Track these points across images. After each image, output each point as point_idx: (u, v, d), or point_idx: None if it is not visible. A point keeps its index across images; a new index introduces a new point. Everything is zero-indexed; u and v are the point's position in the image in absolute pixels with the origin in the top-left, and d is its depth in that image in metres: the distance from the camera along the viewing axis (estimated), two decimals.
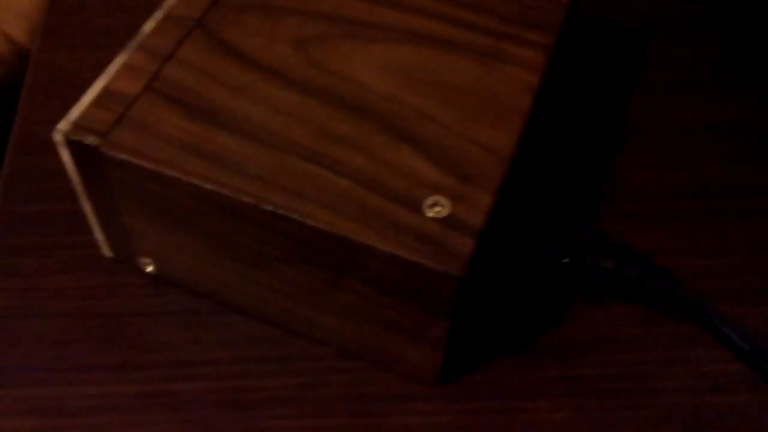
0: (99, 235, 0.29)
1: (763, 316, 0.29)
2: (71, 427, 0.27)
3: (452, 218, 0.23)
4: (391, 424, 0.27)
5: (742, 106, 0.35)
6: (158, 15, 0.28)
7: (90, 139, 0.25)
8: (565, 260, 0.27)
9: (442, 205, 0.24)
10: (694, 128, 0.34)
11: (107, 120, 0.25)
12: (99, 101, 0.26)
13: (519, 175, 0.27)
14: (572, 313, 0.29)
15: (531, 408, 0.27)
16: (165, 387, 0.28)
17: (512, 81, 0.27)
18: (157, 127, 0.25)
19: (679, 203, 0.32)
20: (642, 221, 0.31)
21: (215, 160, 0.24)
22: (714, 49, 0.37)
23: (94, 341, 0.29)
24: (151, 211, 0.26)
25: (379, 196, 0.24)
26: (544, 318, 0.29)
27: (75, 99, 0.29)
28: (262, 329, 0.29)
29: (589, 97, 0.36)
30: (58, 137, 0.25)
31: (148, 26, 0.28)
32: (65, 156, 0.26)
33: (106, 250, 0.30)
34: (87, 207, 0.28)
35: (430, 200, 0.24)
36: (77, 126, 0.25)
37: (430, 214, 0.23)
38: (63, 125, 0.25)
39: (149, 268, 0.29)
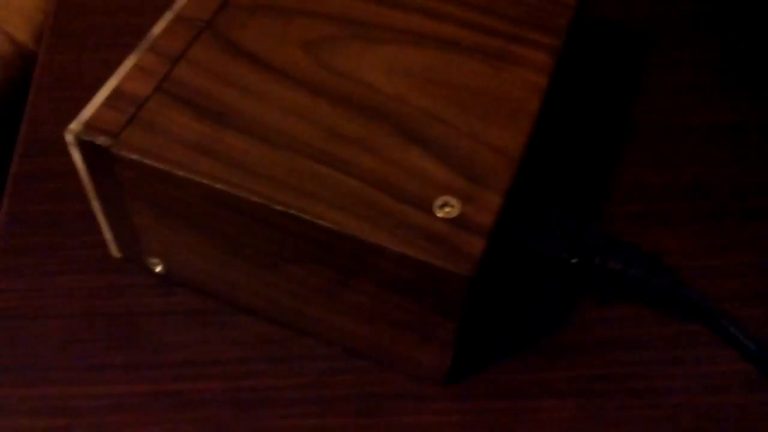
0: (108, 235, 0.29)
1: None
2: (80, 427, 0.27)
3: (462, 218, 0.24)
4: (400, 424, 0.27)
5: (748, 106, 0.35)
6: (168, 16, 0.28)
7: (101, 140, 0.25)
8: (574, 260, 0.27)
9: (452, 206, 0.24)
10: (700, 129, 0.35)
11: (118, 120, 0.25)
12: (110, 102, 0.26)
13: (527, 175, 0.27)
14: (579, 313, 0.29)
15: (538, 407, 0.27)
16: (173, 386, 0.28)
17: (521, 82, 0.27)
18: (167, 128, 0.25)
19: (684, 204, 0.32)
20: (647, 222, 0.32)
21: (225, 161, 0.25)
22: (719, 51, 0.37)
23: (102, 341, 0.29)
24: (160, 211, 0.26)
25: (389, 196, 0.24)
26: (552, 318, 0.29)
27: (82, 100, 0.29)
28: (270, 329, 0.29)
29: (594, 98, 0.36)
30: (69, 137, 0.25)
31: (158, 28, 0.28)
32: (76, 156, 0.26)
33: (114, 251, 0.30)
34: (96, 207, 0.28)
35: (440, 201, 0.24)
36: (88, 126, 0.25)
37: (440, 214, 0.24)
38: (74, 126, 0.25)
39: (158, 269, 0.29)
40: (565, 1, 0.29)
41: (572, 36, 0.30)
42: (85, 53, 0.37)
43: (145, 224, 0.27)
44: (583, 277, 0.28)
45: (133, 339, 0.29)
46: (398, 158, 0.25)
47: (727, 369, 0.28)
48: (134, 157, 0.25)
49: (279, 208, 0.24)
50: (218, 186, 0.24)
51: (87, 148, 0.25)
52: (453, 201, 0.24)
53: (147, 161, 0.25)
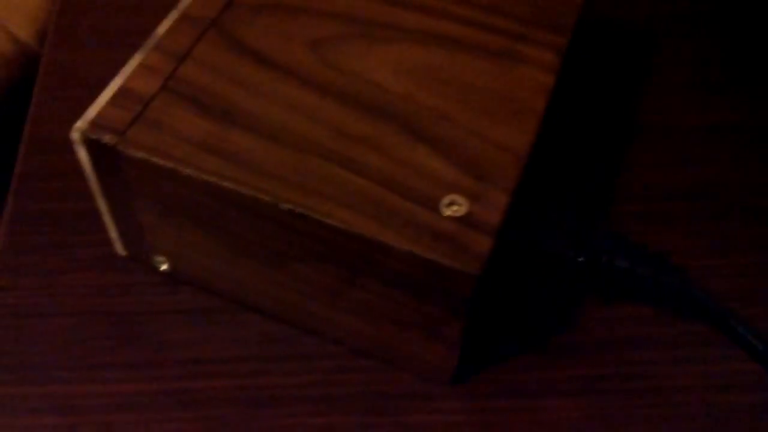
0: (113, 233, 0.29)
1: None
2: (84, 425, 0.27)
3: (469, 217, 0.23)
4: (406, 423, 0.27)
5: (752, 106, 0.35)
6: (173, 15, 0.28)
7: (107, 138, 0.25)
8: (580, 259, 0.27)
9: (459, 204, 0.24)
10: (705, 128, 0.35)
11: (124, 119, 0.25)
12: (116, 100, 0.26)
13: (533, 174, 0.27)
14: (585, 312, 0.29)
15: (544, 407, 0.27)
16: (180, 385, 0.28)
17: (527, 81, 0.27)
18: (174, 126, 0.25)
19: (688, 204, 0.32)
20: (652, 221, 0.32)
21: (232, 159, 0.25)
22: (723, 50, 0.37)
23: (108, 340, 0.29)
24: (167, 209, 0.26)
25: (396, 195, 0.24)
26: (558, 317, 0.29)
27: (86, 98, 0.29)
28: (276, 327, 0.29)
29: (598, 97, 0.36)
30: (75, 136, 0.25)
31: (163, 26, 0.28)
32: (82, 154, 0.26)
33: (119, 249, 0.30)
34: (102, 205, 0.28)
35: (447, 199, 0.24)
36: (95, 124, 0.25)
37: (448, 213, 0.24)
38: (80, 124, 0.25)
39: (163, 267, 0.29)
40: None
41: (576, 35, 0.30)
42: (89, 52, 0.37)
43: (150, 222, 0.27)
44: (590, 275, 0.28)
45: (139, 337, 0.29)
46: (405, 157, 0.25)
47: (733, 368, 0.28)
48: (140, 155, 0.25)
49: (286, 206, 0.24)
50: (225, 184, 0.24)
51: (93, 146, 0.25)
52: (460, 199, 0.24)
53: (153, 159, 0.25)
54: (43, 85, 0.36)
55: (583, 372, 0.28)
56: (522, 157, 0.25)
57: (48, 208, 0.32)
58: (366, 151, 0.25)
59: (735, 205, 0.32)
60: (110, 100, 0.26)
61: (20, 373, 0.28)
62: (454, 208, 0.24)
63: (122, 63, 0.27)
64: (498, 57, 0.28)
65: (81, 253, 0.31)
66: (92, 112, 0.25)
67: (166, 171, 0.25)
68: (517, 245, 0.27)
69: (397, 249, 0.23)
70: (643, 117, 0.35)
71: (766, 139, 0.34)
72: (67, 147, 0.33)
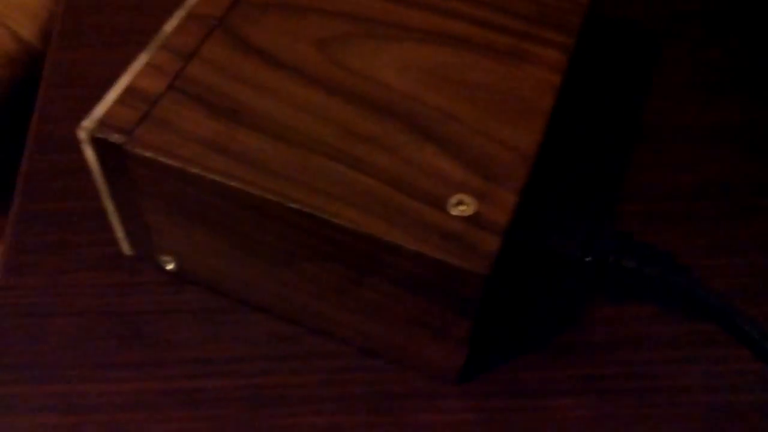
0: (119, 232, 0.29)
1: None
2: (92, 424, 0.27)
3: (477, 217, 0.23)
4: (413, 422, 0.27)
5: (756, 106, 0.35)
6: (180, 14, 0.28)
7: (115, 137, 0.25)
8: (588, 259, 0.27)
9: (467, 204, 0.24)
10: (708, 128, 0.35)
11: (132, 118, 0.25)
12: (123, 99, 0.26)
13: (540, 174, 0.27)
14: (592, 312, 0.29)
15: (551, 406, 0.27)
16: (186, 384, 0.28)
17: (534, 80, 0.27)
18: (181, 125, 0.25)
19: (693, 203, 0.32)
20: (658, 221, 0.32)
21: (240, 158, 0.25)
22: (728, 50, 0.37)
23: (114, 339, 0.29)
24: (174, 208, 0.26)
25: (404, 194, 0.24)
26: (564, 316, 0.29)
27: (92, 97, 0.29)
28: (282, 327, 0.29)
29: (604, 96, 0.36)
30: (82, 135, 0.25)
31: (170, 25, 0.28)
32: (89, 153, 0.26)
33: (126, 248, 0.30)
34: (109, 205, 0.28)
35: (454, 199, 0.24)
36: (102, 124, 0.25)
37: (455, 212, 0.24)
38: (88, 123, 0.25)
39: (169, 266, 0.29)
40: None
41: (581, 35, 0.30)
42: (94, 51, 0.37)
43: (157, 222, 0.27)
44: (597, 275, 0.27)
45: (145, 337, 0.29)
46: (413, 156, 0.25)
47: (739, 368, 0.28)
48: (148, 154, 0.25)
49: (294, 206, 0.24)
50: (232, 183, 0.24)
51: (100, 145, 0.25)
52: (468, 199, 0.24)
53: (160, 158, 0.24)
54: (49, 83, 0.36)
55: (589, 372, 0.28)
56: (529, 156, 0.25)
57: (54, 208, 0.32)
58: (373, 150, 0.25)
59: (739, 205, 0.32)
60: (117, 99, 0.26)
61: (26, 372, 0.28)
62: (462, 207, 0.24)
63: (127, 62, 0.27)
64: (505, 56, 0.27)
65: (87, 253, 0.31)
66: (99, 111, 0.25)
67: (174, 170, 0.25)
68: (524, 245, 0.27)
69: (405, 248, 0.23)
70: (646, 117, 0.35)
71: None
72: (73, 146, 0.33)
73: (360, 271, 0.25)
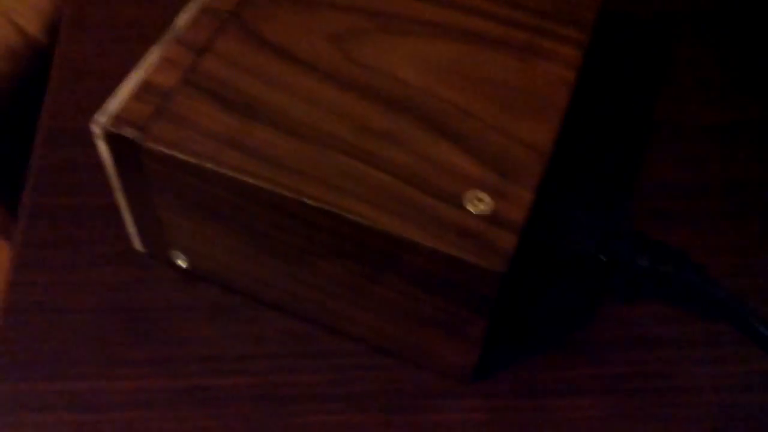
0: (131, 228, 0.29)
1: None
2: (104, 422, 0.27)
3: (494, 214, 0.23)
4: (425, 421, 0.27)
5: None
6: (192, 8, 0.28)
7: (129, 132, 0.25)
8: (602, 257, 0.27)
9: (483, 201, 0.24)
10: (724, 126, 0.34)
11: (146, 113, 0.25)
12: (137, 94, 0.26)
13: (555, 171, 0.27)
14: (605, 311, 0.29)
15: (563, 405, 0.27)
16: (198, 382, 0.28)
17: (549, 77, 0.27)
18: (195, 120, 0.25)
19: (709, 201, 0.32)
20: (672, 219, 0.31)
21: (254, 154, 0.24)
22: (743, 47, 0.37)
23: (126, 336, 0.28)
24: (187, 204, 0.26)
25: (420, 191, 0.24)
26: (578, 316, 0.29)
27: (101, 91, 0.29)
28: (295, 325, 0.29)
29: (616, 93, 0.36)
30: (96, 130, 0.25)
31: (183, 19, 0.28)
32: (103, 149, 0.26)
33: (137, 245, 0.30)
34: (121, 200, 0.28)
35: (471, 196, 0.24)
36: (116, 118, 0.25)
37: (472, 209, 0.23)
38: (102, 118, 0.25)
39: (181, 263, 0.29)
40: None
41: (594, 31, 0.30)
42: (102, 44, 0.37)
43: (170, 218, 0.27)
44: (611, 274, 0.27)
45: (156, 334, 0.28)
46: (428, 152, 0.25)
47: (753, 368, 0.28)
48: (162, 149, 0.24)
49: (310, 202, 0.23)
50: (248, 180, 0.24)
51: (114, 140, 0.25)
52: (484, 196, 0.24)
53: (175, 154, 0.24)
54: (57, 78, 0.36)
55: (602, 371, 0.28)
56: (545, 153, 0.25)
57: (65, 203, 0.31)
58: (389, 146, 0.25)
59: (754, 203, 0.32)
60: (131, 94, 0.26)
61: (38, 369, 0.28)
62: (479, 204, 0.24)
63: (135, 55, 0.27)
64: (519, 52, 0.27)
65: (98, 249, 0.30)
66: (113, 105, 0.25)
67: (188, 166, 0.24)
68: (538, 243, 0.27)
69: (421, 245, 0.23)
70: (661, 114, 0.35)
71: None
72: (84, 141, 0.33)
73: (375, 268, 0.25)
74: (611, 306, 0.29)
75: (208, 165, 0.24)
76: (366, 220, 0.23)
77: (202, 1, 0.28)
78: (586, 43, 0.28)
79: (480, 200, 0.24)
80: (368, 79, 0.26)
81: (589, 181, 0.32)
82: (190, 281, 0.30)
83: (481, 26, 0.28)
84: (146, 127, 0.25)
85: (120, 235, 0.30)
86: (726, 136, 0.34)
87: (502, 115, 0.26)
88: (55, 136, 0.34)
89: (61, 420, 0.27)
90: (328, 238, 0.24)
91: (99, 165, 0.32)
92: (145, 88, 0.26)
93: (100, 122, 0.25)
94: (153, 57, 0.27)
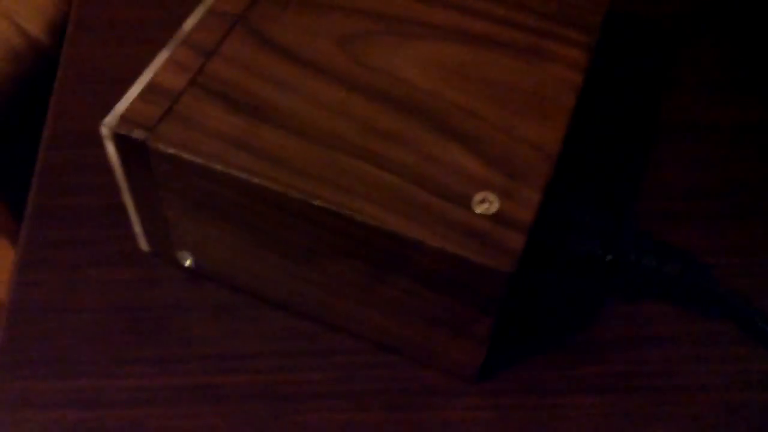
0: (138, 228, 0.29)
1: None
2: (110, 420, 0.27)
3: (501, 214, 0.23)
4: (430, 420, 0.27)
5: None
6: (200, 10, 0.28)
7: (137, 133, 0.25)
8: (609, 257, 0.27)
9: (490, 202, 0.24)
10: (728, 127, 0.35)
11: (154, 114, 0.25)
12: (145, 96, 0.26)
13: (561, 172, 0.27)
14: (609, 310, 0.29)
15: (568, 404, 0.27)
16: (204, 380, 0.28)
17: (556, 79, 0.27)
18: (203, 122, 0.25)
19: (715, 202, 0.32)
20: (677, 219, 0.32)
21: (262, 155, 0.25)
22: (748, 48, 0.37)
23: (132, 335, 0.29)
24: (194, 205, 0.26)
25: (427, 192, 0.24)
26: (582, 315, 0.29)
27: (107, 92, 0.29)
28: (300, 323, 0.29)
29: (621, 94, 0.36)
30: (104, 131, 0.25)
31: (190, 22, 0.28)
32: (110, 149, 0.26)
33: (143, 244, 0.30)
34: (128, 200, 0.28)
35: (478, 196, 0.24)
36: (124, 120, 0.25)
37: (479, 210, 0.24)
38: (110, 119, 0.25)
39: (187, 263, 0.29)
40: None
41: (601, 32, 0.30)
42: (108, 46, 0.37)
43: (177, 218, 0.27)
44: (617, 274, 0.28)
45: (162, 333, 0.29)
46: (435, 154, 0.25)
47: (756, 368, 0.28)
48: (170, 150, 0.25)
49: (317, 203, 0.24)
50: (255, 180, 0.24)
51: (122, 141, 0.25)
52: (491, 197, 0.24)
53: (183, 155, 0.24)
54: (63, 79, 0.36)
55: (607, 369, 0.28)
56: (552, 155, 0.25)
57: (70, 203, 0.32)
58: (396, 147, 0.25)
59: (758, 203, 0.32)
60: (139, 96, 0.26)
61: (44, 367, 0.28)
62: (486, 205, 0.24)
63: (141, 57, 0.27)
64: (526, 54, 0.28)
65: (103, 249, 0.30)
66: (121, 106, 0.25)
67: (196, 167, 0.25)
68: (544, 243, 0.27)
69: (429, 246, 0.23)
70: (666, 115, 0.35)
71: None
72: (90, 141, 0.33)
73: (382, 268, 0.25)
74: (615, 305, 0.29)
75: (216, 165, 0.24)
76: (373, 220, 0.23)
77: (210, 3, 0.28)
78: (592, 45, 0.28)
79: (488, 201, 0.24)
80: (375, 81, 0.27)
81: (595, 181, 0.33)
82: (196, 281, 0.30)
83: (488, 29, 0.28)
84: (154, 128, 0.25)
85: (125, 236, 0.30)
86: (731, 137, 0.34)
87: (509, 116, 0.26)
88: (61, 136, 0.34)
89: (66, 418, 0.27)
90: (335, 238, 0.25)
91: (104, 166, 0.32)
92: (153, 90, 0.26)
93: (108, 123, 0.25)
94: (161, 59, 0.27)
